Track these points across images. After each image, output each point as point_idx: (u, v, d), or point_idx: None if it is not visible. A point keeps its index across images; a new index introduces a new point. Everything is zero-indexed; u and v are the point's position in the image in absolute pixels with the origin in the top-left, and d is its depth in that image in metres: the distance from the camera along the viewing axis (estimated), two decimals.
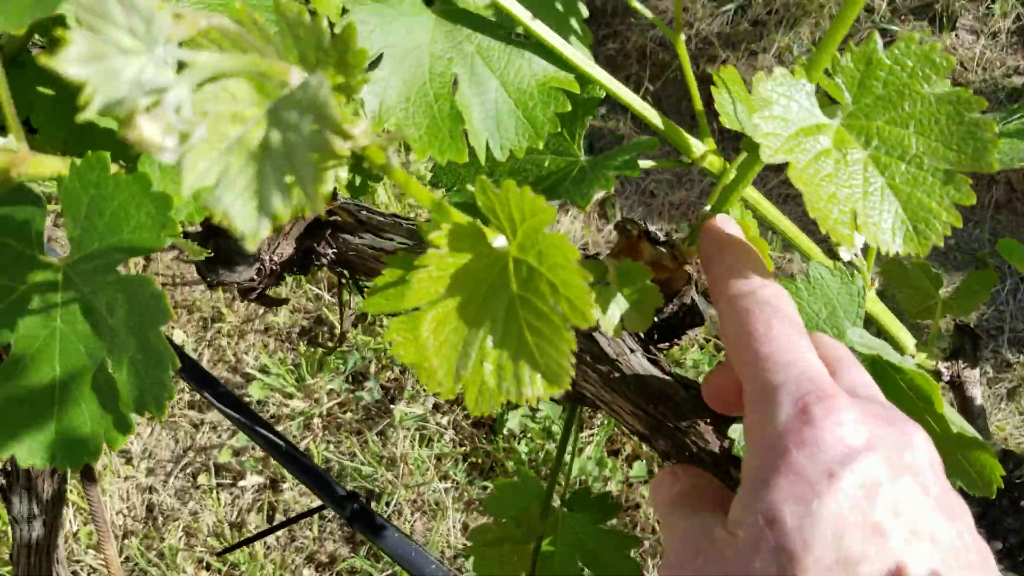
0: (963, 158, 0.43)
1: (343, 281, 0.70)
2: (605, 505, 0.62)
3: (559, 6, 0.52)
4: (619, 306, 0.50)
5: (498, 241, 0.41)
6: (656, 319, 0.61)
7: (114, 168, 0.49)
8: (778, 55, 2.37)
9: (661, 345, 0.61)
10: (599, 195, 0.49)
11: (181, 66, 0.29)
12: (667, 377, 0.58)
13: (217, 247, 0.66)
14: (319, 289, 2.07)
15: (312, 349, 1.98)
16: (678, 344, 0.63)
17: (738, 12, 2.38)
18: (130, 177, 0.48)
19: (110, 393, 0.51)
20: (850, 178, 0.44)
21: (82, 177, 0.49)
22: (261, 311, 2.08)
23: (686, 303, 0.60)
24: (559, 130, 0.50)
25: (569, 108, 0.50)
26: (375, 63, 0.48)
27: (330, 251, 0.68)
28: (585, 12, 0.54)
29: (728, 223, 0.50)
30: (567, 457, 0.65)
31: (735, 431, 0.54)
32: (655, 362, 0.59)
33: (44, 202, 0.52)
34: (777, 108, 0.44)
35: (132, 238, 0.48)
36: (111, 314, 0.49)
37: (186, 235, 0.68)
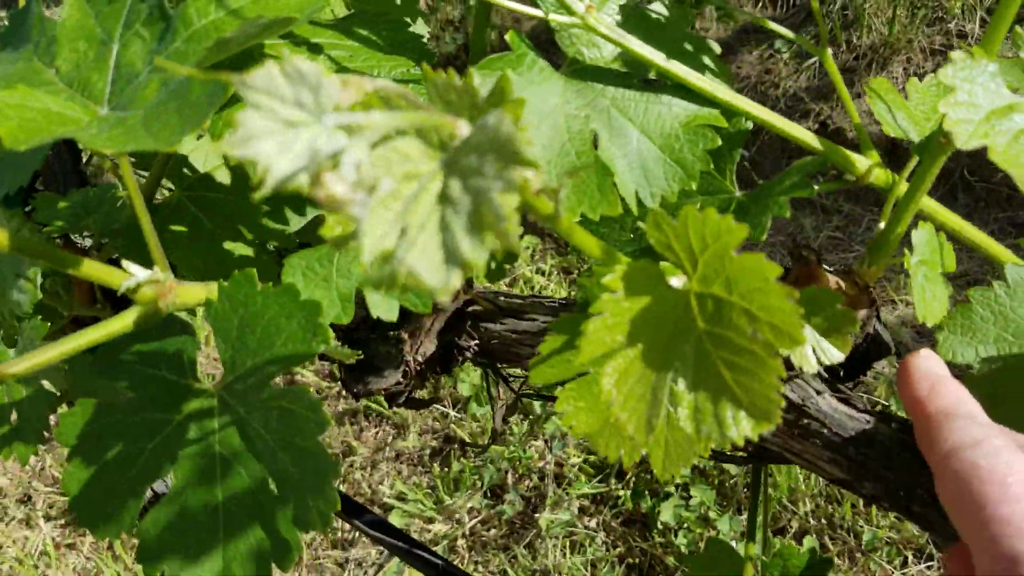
0: None
1: (487, 373, 0.67)
2: (814, 564, 0.56)
3: (689, 46, 0.50)
4: (810, 339, 0.45)
5: (676, 281, 0.38)
6: None
7: (260, 286, 0.48)
8: None
9: (847, 384, 0.56)
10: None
11: (350, 131, 0.28)
12: (863, 415, 0.53)
13: (363, 355, 0.65)
14: (445, 407, 2.05)
15: (445, 469, 1.96)
16: (862, 380, 0.57)
17: (823, 66, 2.35)
18: (279, 289, 0.47)
19: (273, 515, 0.48)
20: None
21: (231, 297, 0.48)
22: (391, 438, 2.07)
23: (870, 332, 0.56)
24: (709, 167, 0.48)
25: (719, 143, 0.47)
26: None
27: (472, 343, 0.66)
28: (717, 49, 0.51)
29: (933, 360, 0.45)
30: (759, 519, 0.60)
31: None
32: (846, 401, 0.54)
33: (194, 330, 0.51)
34: (962, 94, 0.40)
35: (284, 349, 0.47)
36: (268, 432, 0.48)
37: (322, 357, 0.67)
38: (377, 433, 2.10)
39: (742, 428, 0.36)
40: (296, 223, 0.51)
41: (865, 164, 0.50)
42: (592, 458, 1.87)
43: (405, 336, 0.63)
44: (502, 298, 0.66)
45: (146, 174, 0.60)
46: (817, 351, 0.46)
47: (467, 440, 1.98)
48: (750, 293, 0.35)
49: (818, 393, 0.54)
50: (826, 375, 0.55)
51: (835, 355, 0.46)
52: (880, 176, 0.50)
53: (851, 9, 2.32)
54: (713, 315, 0.37)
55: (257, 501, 0.49)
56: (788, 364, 0.55)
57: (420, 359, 0.63)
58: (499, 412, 0.68)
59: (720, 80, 0.49)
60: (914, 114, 0.51)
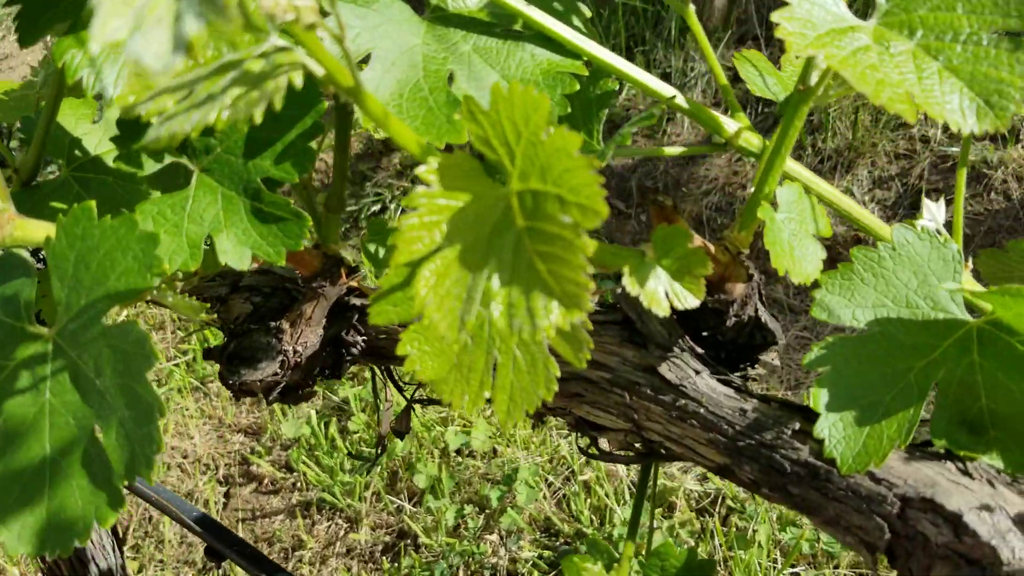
0: None
1: (374, 374, 0.64)
2: (693, 566, 0.51)
3: (559, 6, 0.50)
4: (660, 280, 0.43)
5: (502, 180, 0.36)
6: (719, 337, 0.54)
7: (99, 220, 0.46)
8: None
9: (734, 375, 0.53)
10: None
11: None
12: (741, 395, 0.50)
13: (239, 347, 0.62)
14: (400, 500, 1.98)
15: (396, 564, 1.87)
16: (750, 372, 0.55)
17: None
18: (116, 221, 0.45)
19: (101, 465, 0.45)
20: (898, 67, 0.39)
21: (69, 233, 0.46)
22: (342, 532, 1.99)
23: (751, 315, 0.53)
24: (567, 111, 0.47)
25: (577, 87, 0.46)
26: (364, 61, 0.46)
27: (359, 338, 0.63)
28: (588, 12, 0.51)
29: None
30: (642, 518, 0.55)
31: (823, 429, 0.45)
32: (726, 382, 0.51)
33: (35, 270, 0.49)
34: (800, 10, 0.39)
35: (118, 284, 0.45)
36: (99, 374, 0.45)
37: (208, 352, 0.65)
38: (329, 527, 2.01)
39: (553, 317, 0.34)
40: (152, 167, 0.50)
41: (733, 127, 0.49)
42: (547, 553, 1.78)
43: (286, 326, 0.61)
44: None
45: None
46: (670, 295, 0.43)
47: (420, 535, 1.90)
48: (560, 176, 0.34)
49: (696, 373, 0.52)
50: (708, 359, 0.52)
51: (689, 299, 0.44)
52: (750, 140, 0.49)
53: (817, 114, 2.38)
54: (532, 210, 0.35)
55: (86, 452, 0.45)
56: (666, 346, 0.53)
57: (300, 349, 0.61)
58: (386, 417, 0.64)
59: (584, 33, 0.48)
60: (785, 81, 0.50)
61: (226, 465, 2.23)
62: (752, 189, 0.47)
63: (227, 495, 2.16)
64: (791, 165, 0.49)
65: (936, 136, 2.25)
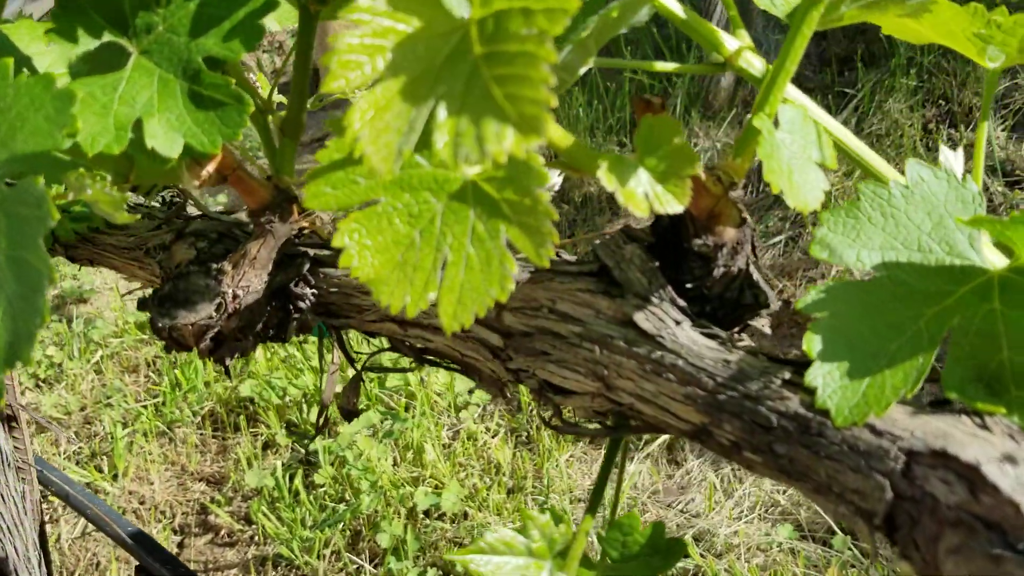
0: None
1: (322, 334, 0.58)
2: (659, 543, 0.44)
3: None
4: (642, 181, 0.38)
5: (460, 8, 0.31)
6: (703, 290, 0.48)
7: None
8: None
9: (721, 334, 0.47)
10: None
11: None
12: (726, 347, 0.44)
13: (174, 289, 0.56)
14: (361, 560, 1.87)
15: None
16: (739, 334, 0.49)
17: (788, 243, 2.36)
18: (32, 79, 0.40)
19: None
20: None
21: None
22: None
23: (741, 267, 0.48)
24: None
25: None
26: None
27: (309, 291, 0.57)
28: None
29: None
30: (607, 493, 0.48)
31: (816, 377, 0.39)
32: (710, 335, 0.45)
33: None
34: None
35: (25, 146, 0.40)
36: None
37: (142, 302, 0.59)
38: None
39: (506, 143, 0.28)
40: (87, 44, 0.45)
41: (734, 44, 0.44)
42: None
43: (228, 267, 0.55)
44: None
45: None
46: (651, 197, 0.38)
47: None
48: None
49: (676, 323, 0.46)
50: (689, 312, 0.47)
51: (671, 204, 0.38)
52: (751, 62, 0.44)
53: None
54: (492, 34, 0.30)
55: None
56: (644, 296, 0.47)
57: (240, 293, 0.55)
58: (330, 382, 0.58)
59: None
60: (788, 2, 0.46)
61: (183, 514, 2.13)
62: (751, 115, 0.42)
63: (181, 545, 2.05)
64: (796, 94, 0.44)
65: None
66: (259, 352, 2.45)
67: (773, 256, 2.36)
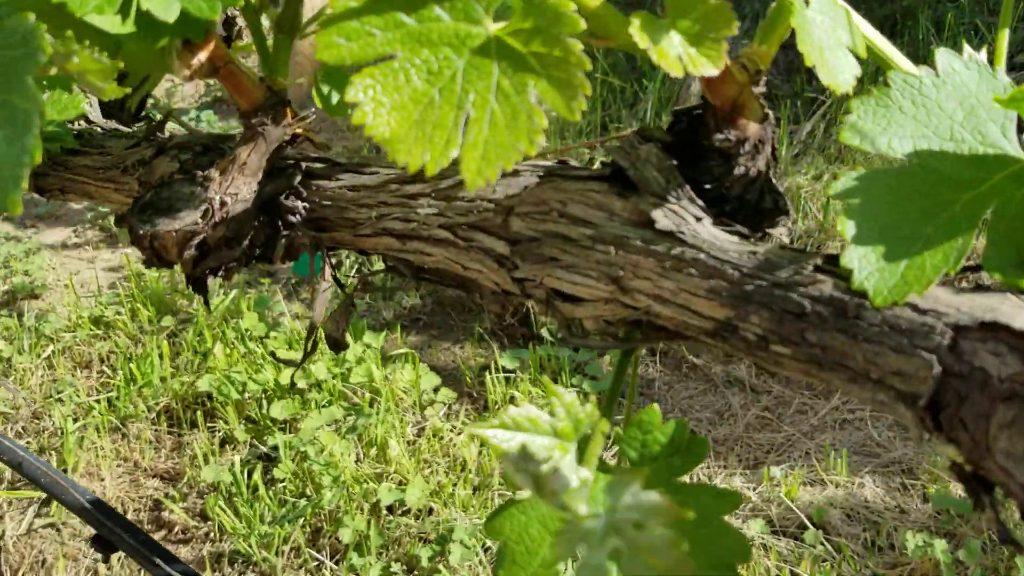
0: None
1: (313, 251, 0.55)
2: (681, 442, 0.42)
3: None
4: (674, 44, 0.36)
5: None
6: (723, 190, 0.46)
7: None
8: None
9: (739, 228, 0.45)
10: None
11: None
12: (750, 240, 0.42)
13: (156, 196, 0.53)
14: (321, 556, 1.82)
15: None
16: (758, 245, 0.47)
17: None
18: None
19: None
20: None
21: None
22: None
23: (761, 169, 0.46)
24: None
25: None
26: None
27: (300, 204, 0.54)
28: None
29: None
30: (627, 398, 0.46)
31: (852, 259, 0.37)
32: (733, 231, 0.43)
33: None
34: None
35: None
36: None
37: (120, 218, 0.55)
38: None
39: None
40: None
41: None
42: None
43: (215, 174, 0.52)
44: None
45: None
46: (684, 59, 0.36)
47: None
48: None
49: (697, 220, 0.44)
50: (706, 207, 0.45)
51: (706, 66, 0.36)
52: None
53: (789, 195, 2.38)
54: None
55: None
56: (662, 195, 0.45)
57: (228, 200, 0.52)
58: (320, 300, 0.55)
59: None
60: None
61: (135, 510, 2.05)
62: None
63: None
64: None
65: None
66: (218, 348, 2.39)
67: None
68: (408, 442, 2.07)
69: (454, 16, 0.36)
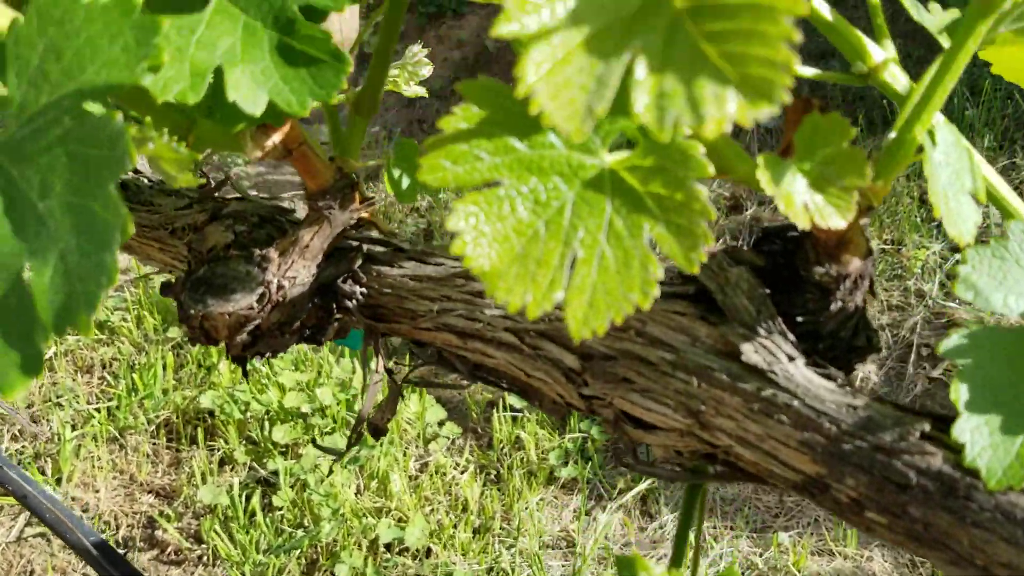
0: None
1: (366, 342, 0.52)
2: None
3: None
4: (799, 189, 0.33)
5: None
6: (816, 326, 0.43)
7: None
8: None
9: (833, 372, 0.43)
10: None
11: None
12: (846, 389, 0.40)
13: (211, 272, 0.51)
14: None
15: None
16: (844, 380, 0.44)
17: None
18: (107, 1, 0.34)
19: (21, 317, 0.33)
20: None
21: (43, 15, 0.36)
22: None
23: (858, 304, 0.43)
24: None
25: None
26: None
27: (358, 289, 0.52)
28: None
29: None
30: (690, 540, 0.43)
31: (964, 432, 0.35)
32: (827, 375, 0.40)
33: None
34: None
35: (96, 77, 0.34)
36: (44, 195, 0.33)
37: (166, 286, 0.53)
38: None
39: (729, 108, 0.24)
40: None
41: (880, 56, 0.40)
42: None
43: (274, 255, 0.50)
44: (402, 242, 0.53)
45: None
46: (810, 207, 0.33)
47: None
48: None
49: (790, 359, 0.41)
50: (798, 344, 0.42)
51: (833, 217, 0.34)
52: (896, 76, 0.40)
53: None
54: None
55: (3, 300, 0.33)
56: (751, 326, 0.43)
57: (286, 284, 0.49)
58: (371, 392, 0.52)
59: None
60: (937, 17, 0.42)
61: (128, 526, 2.02)
62: (893, 135, 0.38)
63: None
64: (941, 120, 0.40)
65: (932, 291, 2.23)
66: (223, 364, 2.36)
67: None
68: (410, 477, 2.04)
69: (568, 144, 0.34)
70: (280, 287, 0.49)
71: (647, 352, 0.44)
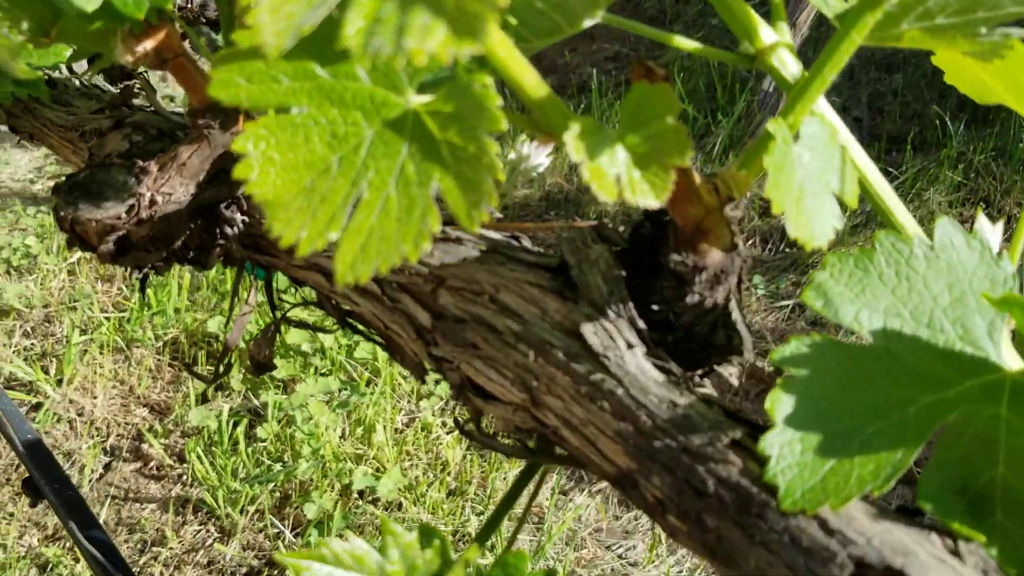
0: None
1: (240, 269, 0.51)
2: None
3: None
4: (618, 161, 0.31)
5: None
6: (671, 316, 0.41)
7: None
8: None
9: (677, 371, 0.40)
10: None
11: None
12: (678, 388, 0.37)
13: (89, 178, 0.50)
14: (283, 526, 1.80)
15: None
16: (701, 378, 0.42)
17: (795, 310, 2.28)
18: None
19: None
20: None
21: None
22: (210, 541, 1.79)
23: (719, 301, 0.41)
24: None
25: None
26: None
27: (239, 217, 0.50)
28: None
29: None
30: (502, 521, 0.41)
31: (772, 445, 0.32)
32: (664, 369, 0.38)
33: None
34: None
35: None
36: None
37: (55, 188, 0.52)
38: (199, 532, 1.82)
39: (430, 40, 0.21)
40: None
41: (771, 38, 0.37)
42: None
43: (153, 167, 0.48)
44: None
45: None
46: (623, 181, 0.31)
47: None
48: None
49: (629, 347, 0.39)
50: (646, 336, 0.39)
51: (646, 195, 0.31)
52: (785, 61, 0.37)
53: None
54: None
55: None
56: (601, 306, 0.40)
57: (159, 199, 0.48)
58: (239, 323, 0.51)
59: None
60: (842, 5, 0.39)
61: (118, 436, 2.06)
62: (767, 123, 0.35)
63: (107, 467, 1.98)
64: (828, 112, 0.37)
65: None
66: None
67: (776, 319, 2.28)
68: (396, 429, 2.04)
69: (374, 78, 0.31)
70: (152, 202, 0.48)
71: (496, 319, 0.42)
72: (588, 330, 0.39)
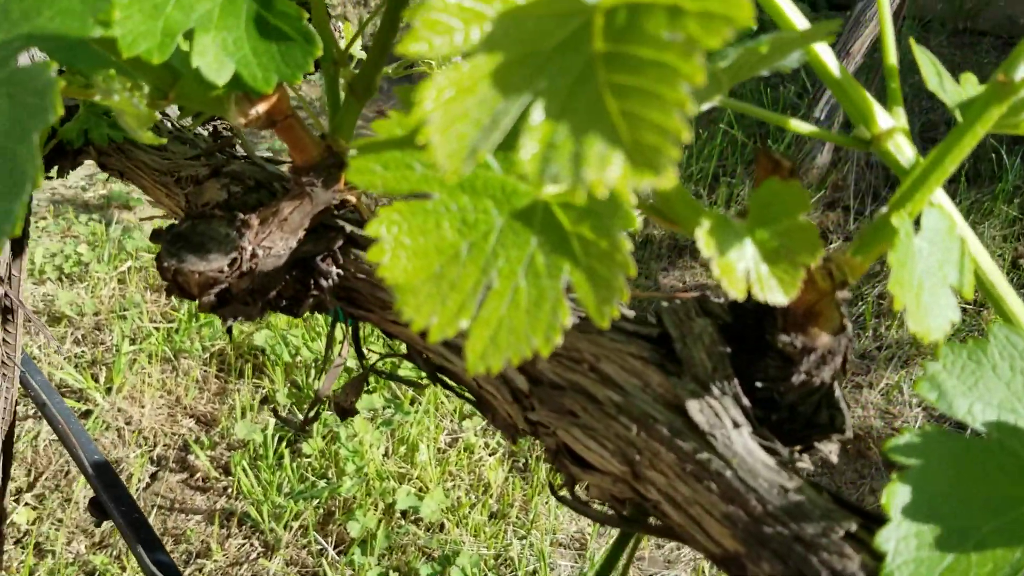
0: None
1: (335, 319, 0.52)
2: None
3: None
4: (746, 256, 0.31)
5: None
6: (775, 394, 0.41)
7: None
8: (885, 392, 2.19)
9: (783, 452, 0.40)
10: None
11: None
12: (786, 471, 0.37)
13: (192, 229, 0.51)
14: (326, 543, 1.81)
15: None
16: (800, 454, 0.42)
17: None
18: None
19: None
20: None
21: None
22: (254, 555, 1.81)
23: (825, 380, 0.41)
24: None
25: None
26: None
27: (334, 270, 0.51)
28: None
29: None
30: None
31: (889, 540, 0.32)
32: (771, 450, 0.38)
33: None
34: None
35: (48, 23, 0.34)
36: None
37: (156, 234, 0.53)
38: (243, 545, 1.84)
39: (611, 172, 0.22)
40: None
41: (887, 123, 0.37)
42: None
43: (254, 221, 0.49)
44: None
45: None
46: (752, 278, 0.31)
47: None
48: None
49: (735, 425, 0.39)
50: (751, 414, 0.39)
51: (775, 292, 0.31)
52: (901, 146, 0.37)
53: (888, 299, 2.27)
54: (621, 31, 0.23)
55: None
56: (705, 383, 0.40)
57: (260, 252, 0.49)
58: (331, 375, 0.52)
59: None
60: (962, 91, 0.39)
61: (165, 445, 2.08)
62: (885, 209, 0.36)
63: (153, 477, 2.01)
64: (945, 201, 0.37)
65: None
66: None
67: None
68: (439, 449, 2.05)
69: (505, 167, 0.32)
70: (254, 255, 0.49)
71: (596, 389, 0.42)
72: (693, 407, 0.39)
